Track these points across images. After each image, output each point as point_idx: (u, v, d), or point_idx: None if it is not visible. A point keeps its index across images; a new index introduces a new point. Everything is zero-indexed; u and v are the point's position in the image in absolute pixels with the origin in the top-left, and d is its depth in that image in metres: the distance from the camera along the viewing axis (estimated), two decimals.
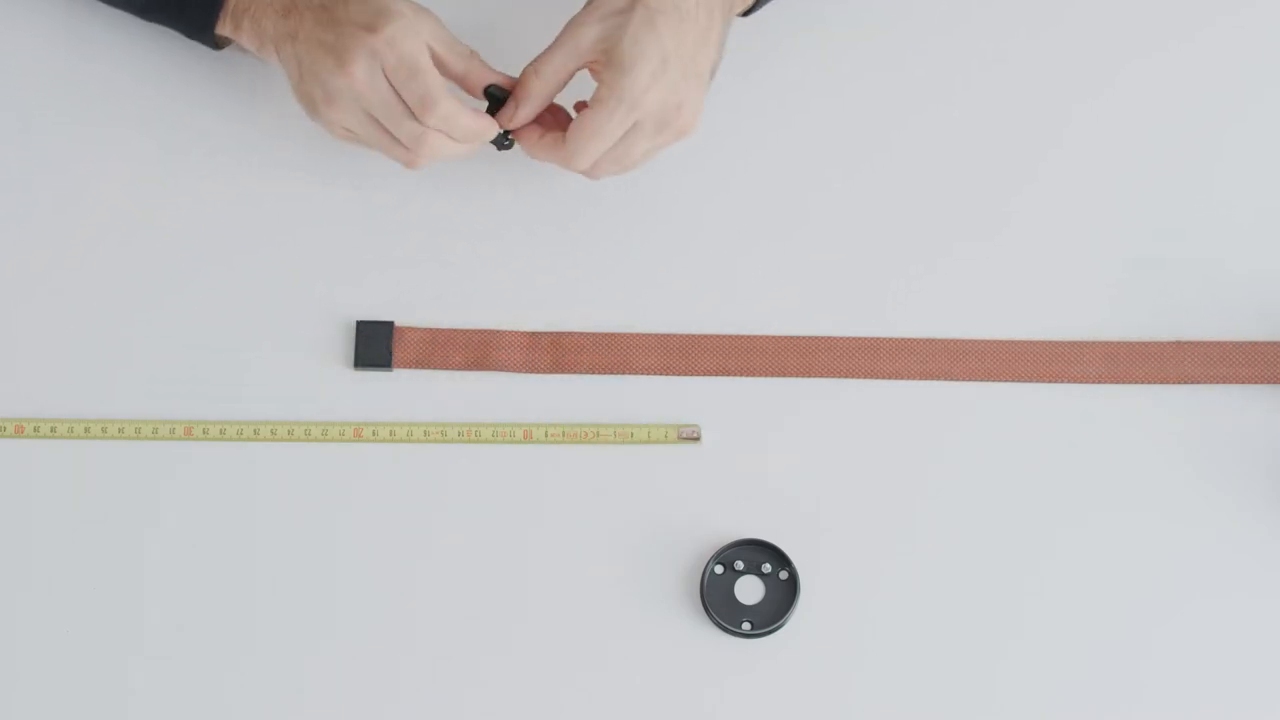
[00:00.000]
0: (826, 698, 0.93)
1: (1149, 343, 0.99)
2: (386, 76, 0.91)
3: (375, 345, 0.99)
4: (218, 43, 0.99)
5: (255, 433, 0.98)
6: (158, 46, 1.06)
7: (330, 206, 1.03)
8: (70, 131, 1.05)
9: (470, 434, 0.98)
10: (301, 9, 0.93)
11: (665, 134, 0.92)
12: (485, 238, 1.02)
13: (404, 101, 0.91)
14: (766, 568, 0.94)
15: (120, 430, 0.98)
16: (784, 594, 0.94)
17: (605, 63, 0.90)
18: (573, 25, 0.92)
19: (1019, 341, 0.99)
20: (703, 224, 1.02)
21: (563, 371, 0.99)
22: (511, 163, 0.99)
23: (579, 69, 0.92)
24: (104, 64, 1.06)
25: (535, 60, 0.93)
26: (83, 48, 1.07)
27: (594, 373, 0.99)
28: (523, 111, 0.94)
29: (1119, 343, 0.99)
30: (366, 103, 0.91)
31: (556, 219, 1.02)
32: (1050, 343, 0.99)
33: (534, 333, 0.99)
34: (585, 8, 0.92)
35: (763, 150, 1.04)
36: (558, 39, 0.92)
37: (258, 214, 1.03)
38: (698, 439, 0.98)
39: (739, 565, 0.95)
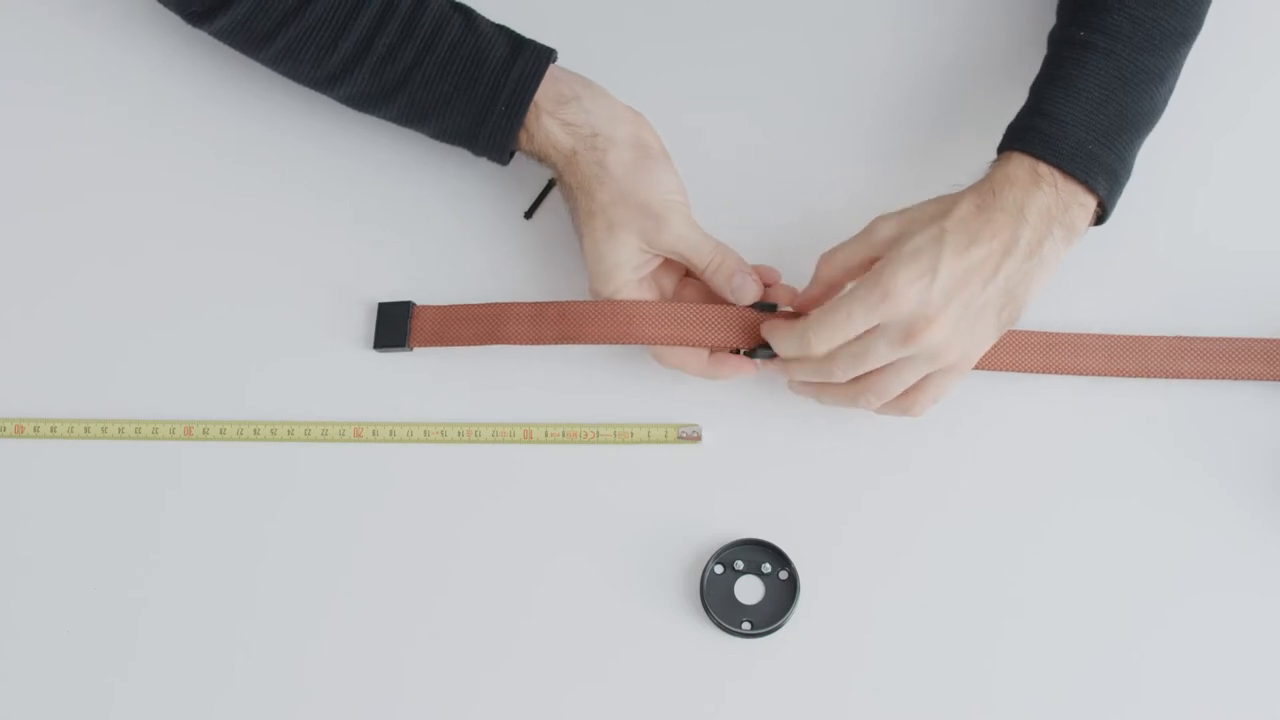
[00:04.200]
0: (826, 698, 0.93)
1: (1151, 337, 0.98)
2: None
3: (394, 325, 0.99)
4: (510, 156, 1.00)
5: (255, 433, 0.98)
6: (168, 39, 1.06)
7: (342, 195, 1.03)
8: (75, 125, 1.05)
9: (470, 434, 0.98)
10: (572, 191, 0.96)
11: (909, 346, 0.89)
12: (495, 223, 1.03)
13: None
14: (766, 568, 0.94)
15: (120, 430, 0.98)
16: (784, 594, 0.94)
17: (884, 257, 0.91)
18: (877, 220, 0.93)
19: (1020, 332, 0.98)
20: (710, 211, 1.02)
21: (569, 342, 0.98)
22: (517, 164, 1.00)
23: (870, 260, 0.92)
24: (111, 57, 1.07)
25: (832, 248, 0.94)
26: (88, 39, 1.07)
27: (600, 343, 0.97)
28: (810, 291, 0.96)
29: (1121, 336, 0.98)
30: None
31: (562, 214, 1.02)
32: (1052, 334, 0.98)
33: (541, 303, 0.99)
34: (897, 211, 0.93)
35: (764, 142, 1.04)
36: (860, 232, 0.93)
37: (269, 204, 1.03)
38: (698, 439, 0.98)
39: (739, 565, 0.95)
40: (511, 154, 0.98)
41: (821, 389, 0.94)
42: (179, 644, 0.94)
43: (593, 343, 0.97)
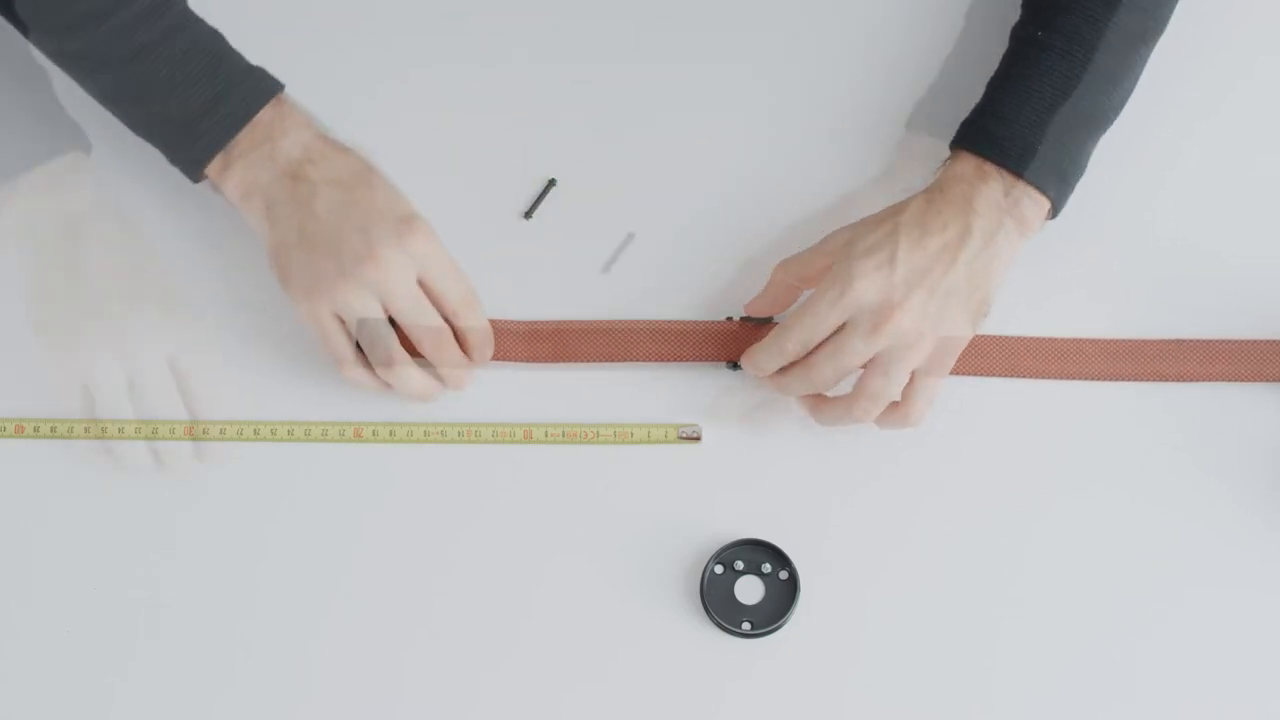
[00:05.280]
0: (826, 698, 0.93)
1: (1148, 340, 0.99)
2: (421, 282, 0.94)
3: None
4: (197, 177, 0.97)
5: (255, 433, 0.98)
6: None
7: None
8: (69, 127, 1.05)
9: (470, 434, 0.98)
10: (315, 183, 0.94)
11: (880, 336, 0.90)
12: (494, 223, 1.02)
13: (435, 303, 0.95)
14: (766, 568, 0.94)
15: (121, 430, 0.98)
16: (784, 594, 0.94)
17: (840, 258, 0.92)
18: (833, 233, 0.95)
19: (1018, 338, 0.99)
20: (708, 221, 1.02)
21: (564, 360, 0.98)
22: (516, 163, 1.00)
23: (824, 268, 0.93)
24: None
25: (788, 257, 0.96)
26: None
27: (596, 361, 0.98)
28: (762, 299, 0.97)
29: (1118, 340, 0.99)
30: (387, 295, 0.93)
31: (561, 214, 1.02)
32: (1050, 339, 0.99)
33: (536, 321, 0.99)
34: (850, 224, 0.94)
35: (762, 142, 1.04)
36: (816, 243, 0.95)
37: None
38: (698, 439, 0.98)
39: (739, 565, 0.95)
40: (201, 174, 0.95)
41: (818, 407, 0.95)
42: (179, 644, 0.94)
43: (589, 360, 0.97)
